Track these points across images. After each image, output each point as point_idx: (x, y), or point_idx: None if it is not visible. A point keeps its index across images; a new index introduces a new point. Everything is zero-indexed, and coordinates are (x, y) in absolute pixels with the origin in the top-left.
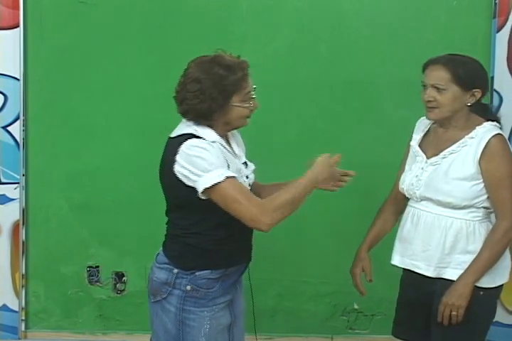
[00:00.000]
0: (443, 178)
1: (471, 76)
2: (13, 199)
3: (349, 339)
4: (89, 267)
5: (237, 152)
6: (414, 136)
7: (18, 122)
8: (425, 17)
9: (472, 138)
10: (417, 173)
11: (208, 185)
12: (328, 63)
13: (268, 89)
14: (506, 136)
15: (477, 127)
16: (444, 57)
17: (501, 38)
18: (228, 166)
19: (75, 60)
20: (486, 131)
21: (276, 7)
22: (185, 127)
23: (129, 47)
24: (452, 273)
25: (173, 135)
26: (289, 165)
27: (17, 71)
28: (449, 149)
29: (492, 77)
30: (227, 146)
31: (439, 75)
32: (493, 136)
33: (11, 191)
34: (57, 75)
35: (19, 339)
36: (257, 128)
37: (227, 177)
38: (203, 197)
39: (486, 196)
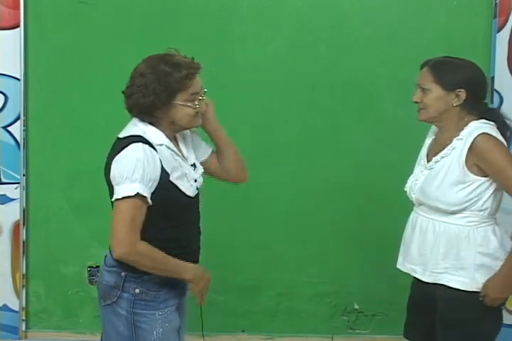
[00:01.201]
0: (433, 183)
1: (453, 74)
2: (14, 199)
3: (349, 340)
4: (89, 267)
5: (185, 154)
6: (426, 140)
7: (18, 122)
8: (425, 17)
9: (460, 139)
10: (417, 177)
11: (119, 196)
12: (328, 63)
13: (268, 89)
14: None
15: (465, 128)
16: (435, 58)
17: (502, 38)
18: (168, 174)
19: (75, 60)
20: (470, 131)
21: (276, 7)
22: (133, 127)
23: (129, 47)
24: (449, 280)
25: (121, 135)
26: (289, 165)
27: (17, 71)
28: (441, 153)
29: (492, 77)
30: (175, 149)
31: (425, 76)
32: (476, 137)
33: (12, 191)
34: (57, 75)
35: (19, 339)
36: (257, 128)
37: (138, 195)
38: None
39: (481, 201)
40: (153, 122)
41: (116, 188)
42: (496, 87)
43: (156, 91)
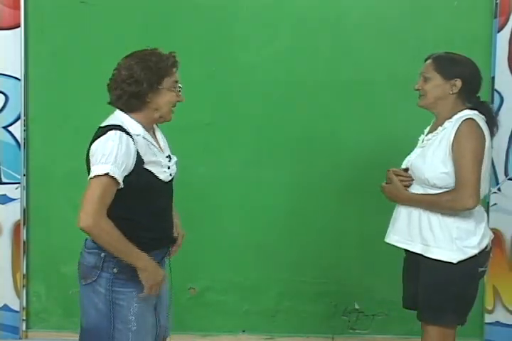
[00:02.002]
0: (422, 158)
1: (453, 65)
2: (14, 199)
3: (350, 339)
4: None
5: (162, 146)
6: (426, 130)
7: (19, 122)
8: (425, 17)
9: (451, 122)
10: (410, 156)
11: (91, 175)
12: (328, 63)
13: (268, 89)
14: (507, 135)
15: (458, 112)
16: (440, 52)
17: (502, 38)
18: (143, 162)
19: (75, 60)
20: (460, 116)
21: (276, 7)
22: (113, 118)
23: (129, 47)
24: (430, 252)
25: (102, 125)
26: (289, 165)
27: (18, 71)
28: (434, 133)
29: (493, 77)
30: (152, 140)
31: (427, 66)
32: (463, 120)
33: (12, 191)
34: (57, 75)
35: (20, 339)
36: (257, 128)
37: (107, 175)
38: None
39: None
40: (140, 108)
41: (91, 169)
42: (496, 87)
43: (146, 76)
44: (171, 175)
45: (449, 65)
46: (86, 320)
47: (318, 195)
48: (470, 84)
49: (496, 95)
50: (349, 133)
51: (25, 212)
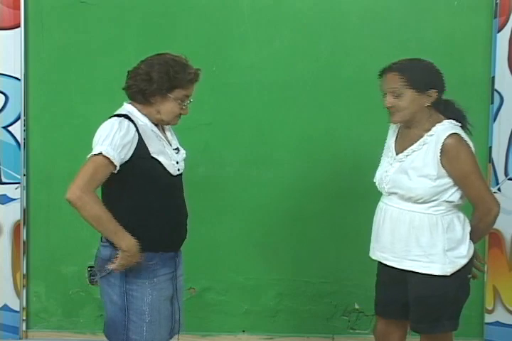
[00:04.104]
0: (406, 174)
1: (424, 78)
2: (14, 199)
3: (350, 340)
4: (90, 267)
5: (169, 138)
6: (389, 132)
7: (19, 122)
8: (426, 17)
9: (431, 135)
10: (386, 169)
11: (88, 156)
12: (328, 63)
13: (268, 89)
14: (507, 135)
15: (437, 124)
16: (397, 63)
17: (502, 38)
18: (148, 150)
19: (75, 59)
20: (443, 129)
21: (276, 7)
22: (121, 110)
23: (129, 47)
24: (422, 267)
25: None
26: (289, 164)
27: (18, 71)
28: (412, 147)
29: (493, 77)
30: (159, 133)
31: (394, 81)
32: (447, 137)
33: (12, 191)
34: (57, 75)
35: (20, 339)
36: (257, 127)
37: (101, 154)
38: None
39: (449, 192)
40: (143, 104)
41: (93, 150)
42: (496, 87)
43: (160, 80)
44: (179, 170)
45: (418, 76)
46: (105, 312)
47: (318, 195)
48: (441, 89)
49: (496, 95)
50: (349, 133)
51: (25, 212)
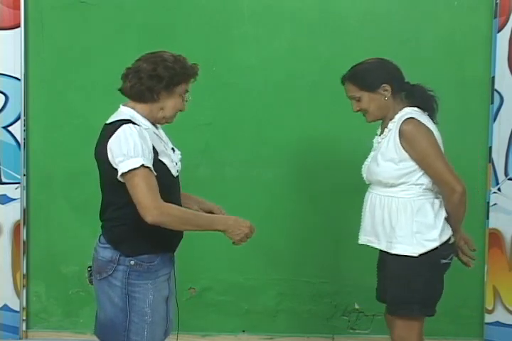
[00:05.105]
0: (375, 160)
1: (371, 78)
2: (14, 199)
3: (350, 340)
4: (90, 267)
5: (164, 139)
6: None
7: (19, 122)
8: (426, 17)
9: (394, 122)
10: (367, 160)
11: (125, 170)
12: (328, 63)
13: (268, 89)
14: (507, 135)
15: (399, 112)
16: (349, 71)
17: (502, 38)
18: (157, 153)
19: (75, 59)
20: (401, 115)
21: (276, 7)
22: (120, 114)
23: (129, 47)
24: (394, 248)
25: (108, 122)
26: (289, 164)
27: (18, 71)
28: (382, 135)
29: (493, 77)
30: (159, 134)
31: (350, 89)
32: (403, 122)
33: (12, 191)
34: (57, 75)
35: (20, 339)
36: (257, 127)
37: (143, 166)
38: (121, 180)
39: (416, 175)
40: (148, 102)
41: (121, 166)
42: (496, 87)
43: (169, 75)
44: (177, 170)
45: (366, 77)
46: (102, 314)
47: (318, 195)
48: (395, 80)
49: (496, 95)
50: (349, 133)
51: (25, 212)
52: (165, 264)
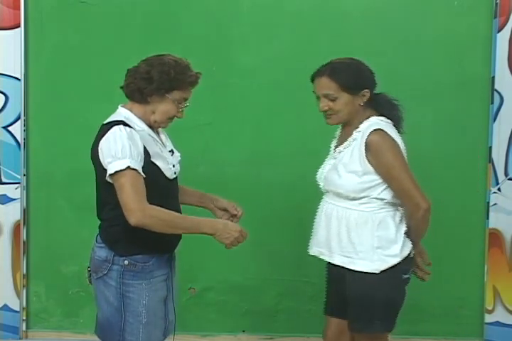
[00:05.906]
0: (336, 171)
1: (356, 80)
2: (14, 199)
3: None
4: (89, 267)
5: (164, 141)
6: (336, 133)
7: (18, 122)
8: (425, 17)
9: (359, 131)
10: (324, 167)
11: (112, 171)
12: None
13: (268, 89)
14: (507, 135)
15: (365, 121)
16: (327, 67)
17: (502, 38)
18: (149, 155)
19: (75, 59)
20: (368, 126)
21: (276, 7)
22: (116, 115)
23: (129, 47)
24: (352, 263)
25: (105, 122)
26: (289, 164)
27: (18, 71)
28: (344, 144)
29: (492, 77)
30: (155, 136)
31: (328, 86)
32: (370, 133)
33: (12, 191)
34: (57, 75)
35: (20, 339)
36: (257, 128)
37: (129, 168)
38: (110, 181)
39: (379, 189)
40: (140, 103)
41: (109, 167)
42: (496, 87)
43: (160, 79)
44: (175, 173)
45: (352, 79)
46: (100, 314)
47: (318, 195)
48: (373, 86)
49: (496, 95)
50: None
51: (25, 212)
52: (161, 265)
